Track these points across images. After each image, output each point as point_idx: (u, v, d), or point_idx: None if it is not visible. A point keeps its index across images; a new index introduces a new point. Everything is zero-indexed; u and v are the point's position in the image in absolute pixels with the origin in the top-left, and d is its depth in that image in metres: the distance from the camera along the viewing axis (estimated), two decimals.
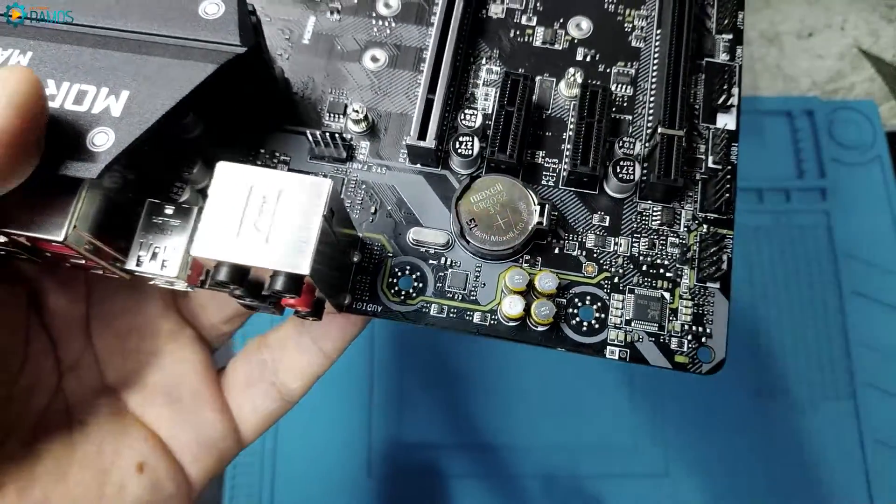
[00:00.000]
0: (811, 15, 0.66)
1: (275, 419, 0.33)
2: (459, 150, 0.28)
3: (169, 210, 0.27)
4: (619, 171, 0.28)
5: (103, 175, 0.23)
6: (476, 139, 0.28)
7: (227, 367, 0.33)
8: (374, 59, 0.31)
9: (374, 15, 0.31)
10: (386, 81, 0.30)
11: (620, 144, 0.29)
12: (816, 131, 0.60)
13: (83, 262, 0.26)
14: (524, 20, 0.32)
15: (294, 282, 0.23)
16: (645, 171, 0.28)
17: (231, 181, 0.23)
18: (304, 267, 0.22)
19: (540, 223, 0.27)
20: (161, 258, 0.26)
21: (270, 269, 0.23)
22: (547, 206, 0.27)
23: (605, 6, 0.32)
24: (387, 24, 0.31)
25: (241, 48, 0.25)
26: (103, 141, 0.23)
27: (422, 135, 0.28)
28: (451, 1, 0.30)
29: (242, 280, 0.23)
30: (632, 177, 0.28)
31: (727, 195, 0.28)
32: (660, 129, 0.28)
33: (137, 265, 0.26)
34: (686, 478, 0.53)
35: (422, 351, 0.57)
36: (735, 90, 0.30)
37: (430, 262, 0.28)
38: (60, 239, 0.24)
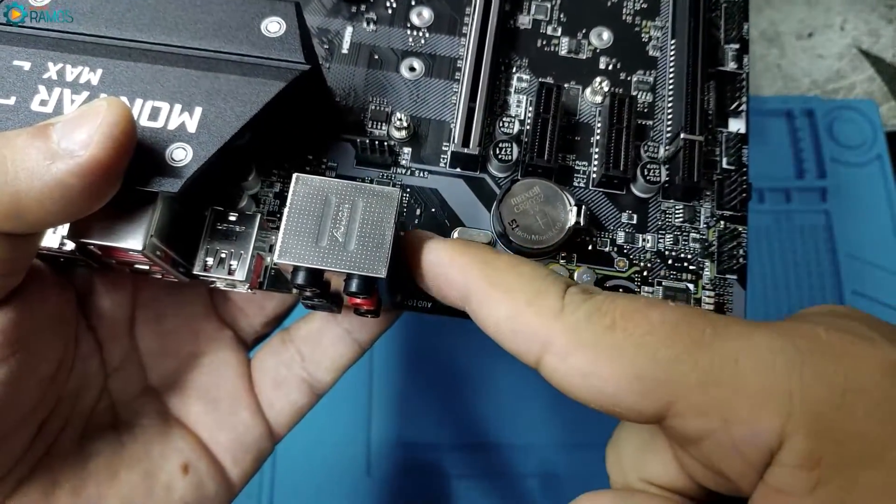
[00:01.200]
0: (811, 15, 0.66)
1: (305, 413, 0.34)
2: (500, 156, 0.30)
3: (233, 217, 0.28)
4: (646, 173, 0.31)
5: (185, 190, 0.25)
6: (515, 145, 0.31)
7: (253, 365, 0.34)
8: (412, 69, 0.32)
9: (408, 25, 0.33)
10: (423, 90, 0.32)
11: (645, 148, 0.32)
12: (816, 131, 0.61)
13: (148, 267, 0.28)
14: (549, 31, 0.34)
15: (368, 284, 0.25)
16: (668, 173, 0.31)
17: (307, 192, 0.25)
18: (381, 271, 0.24)
19: (578, 223, 0.29)
20: (227, 263, 0.28)
21: (346, 273, 0.25)
22: (583, 206, 0.29)
23: (624, 17, 0.34)
24: (421, 34, 0.33)
25: (305, 65, 0.27)
26: (182, 156, 0.25)
27: (465, 142, 0.30)
28: (486, 14, 0.32)
29: (318, 283, 0.25)
30: (658, 179, 0.31)
31: (744, 194, 0.31)
32: (682, 135, 0.30)
33: (204, 270, 0.28)
34: None
35: (422, 350, 0.57)
36: (745, 97, 0.33)
37: None
38: (140, 248, 0.25)
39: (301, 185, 0.25)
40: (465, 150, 0.30)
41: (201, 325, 0.33)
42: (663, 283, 0.30)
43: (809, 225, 0.59)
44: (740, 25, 0.34)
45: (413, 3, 0.33)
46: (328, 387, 0.33)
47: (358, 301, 0.27)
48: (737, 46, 0.34)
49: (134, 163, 0.24)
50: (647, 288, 0.30)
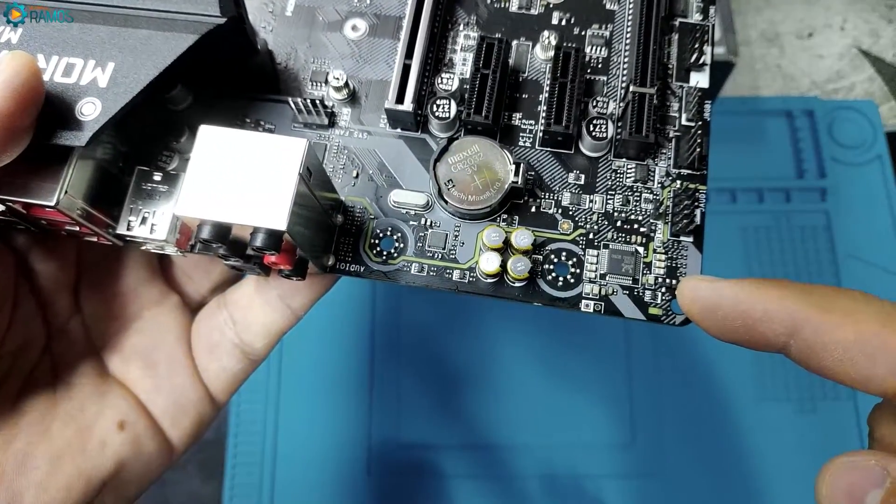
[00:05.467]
0: (811, 15, 0.66)
1: (242, 380, 0.33)
2: (437, 114, 0.29)
3: (157, 177, 0.28)
4: (592, 129, 0.29)
5: (92, 143, 0.24)
6: (453, 102, 0.29)
7: (192, 330, 0.34)
8: (355, 29, 0.32)
9: None
10: (366, 50, 0.31)
11: (594, 104, 0.30)
12: (816, 131, 0.60)
13: (77, 228, 0.28)
14: None
15: (272, 238, 0.24)
16: (619, 130, 0.29)
17: (213, 143, 0.24)
18: (280, 223, 0.23)
19: (515, 182, 0.28)
20: (150, 223, 0.28)
21: (251, 227, 0.24)
22: (522, 165, 0.28)
23: None
24: None
25: (221, 18, 0.26)
26: (91, 111, 0.25)
27: (400, 99, 0.29)
28: None
29: (225, 239, 0.24)
30: (605, 135, 0.29)
31: (699, 150, 0.28)
32: (631, 88, 0.29)
33: (128, 230, 0.28)
34: (685, 477, 0.53)
35: (422, 350, 0.57)
36: (707, 48, 0.30)
37: (411, 223, 0.29)
38: (52, 204, 0.25)
39: (205, 137, 0.24)
40: (399, 108, 0.29)
41: (146, 289, 0.33)
42: (610, 246, 0.29)
43: (809, 225, 0.59)
44: None
45: None
46: (261, 353, 0.32)
47: (272, 259, 0.26)
48: None
49: (45, 119, 0.24)
50: (592, 251, 0.28)
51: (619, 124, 0.29)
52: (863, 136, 0.61)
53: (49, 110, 0.24)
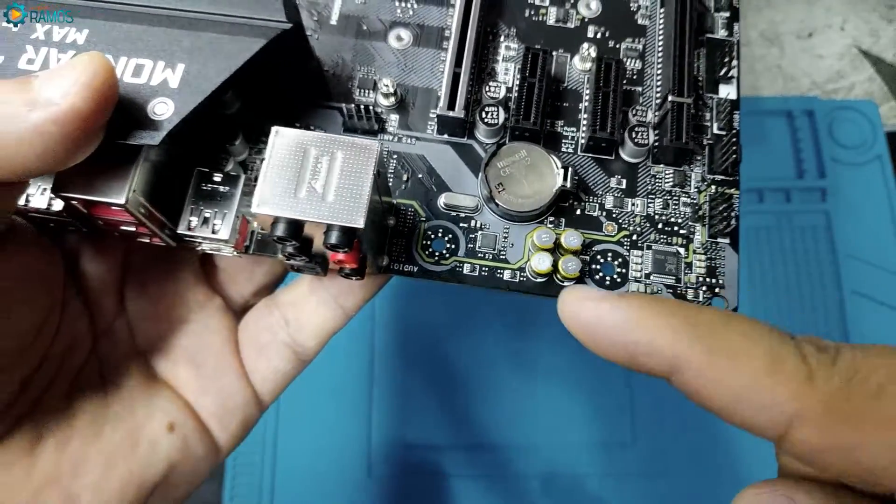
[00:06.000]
0: (811, 15, 0.67)
1: (290, 380, 0.34)
2: (486, 120, 0.30)
3: (217, 177, 0.28)
4: (634, 136, 0.30)
5: (165, 141, 0.25)
6: (501, 109, 0.30)
7: (240, 332, 0.34)
8: (399, 38, 0.33)
9: None
10: (411, 59, 0.32)
11: (634, 113, 0.32)
12: (816, 131, 0.61)
13: (135, 228, 0.28)
14: (537, 0, 0.34)
15: (347, 236, 0.25)
16: (657, 137, 0.31)
17: (286, 144, 0.25)
18: (358, 221, 0.24)
19: (564, 186, 0.29)
20: (211, 223, 0.28)
21: (325, 225, 0.25)
22: (569, 169, 0.29)
23: None
24: (409, 5, 0.33)
25: (286, 24, 0.27)
26: (164, 110, 0.25)
27: (451, 106, 0.30)
28: None
29: (298, 236, 0.25)
30: (646, 141, 0.30)
31: (734, 156, 0.30)
32: (670, 98, 0.30)
33: (188, 230, 0.28)
34: (686, 477, 0.54)
35: (423, 350, 0.57)
36: (735, 62, 0.32)
37: (461, 224, 0.30)
38: (122, 202, 0.25)
39: (280, 138, 0.25)
40: (451, 114, 0.30)
41: (190, 292, 0.33)
42: (653, 248, 0.30)
43: (809, 225, 0.59)
44: None
45: None
46: (312, 353, 0.33)
47: (340, 257, 0.27)
48: (727, 14, 0.34)
49: (116, 118, 0.24)
50: (636, 252, 0.30)
51: (657, 132, 0.31)
52: (863, 136, 0.61)
53: (121, 110, 0.24)
